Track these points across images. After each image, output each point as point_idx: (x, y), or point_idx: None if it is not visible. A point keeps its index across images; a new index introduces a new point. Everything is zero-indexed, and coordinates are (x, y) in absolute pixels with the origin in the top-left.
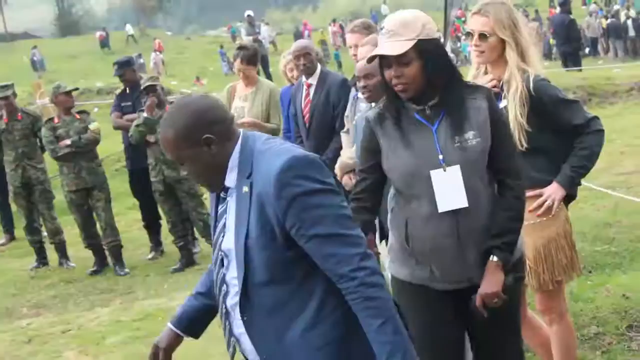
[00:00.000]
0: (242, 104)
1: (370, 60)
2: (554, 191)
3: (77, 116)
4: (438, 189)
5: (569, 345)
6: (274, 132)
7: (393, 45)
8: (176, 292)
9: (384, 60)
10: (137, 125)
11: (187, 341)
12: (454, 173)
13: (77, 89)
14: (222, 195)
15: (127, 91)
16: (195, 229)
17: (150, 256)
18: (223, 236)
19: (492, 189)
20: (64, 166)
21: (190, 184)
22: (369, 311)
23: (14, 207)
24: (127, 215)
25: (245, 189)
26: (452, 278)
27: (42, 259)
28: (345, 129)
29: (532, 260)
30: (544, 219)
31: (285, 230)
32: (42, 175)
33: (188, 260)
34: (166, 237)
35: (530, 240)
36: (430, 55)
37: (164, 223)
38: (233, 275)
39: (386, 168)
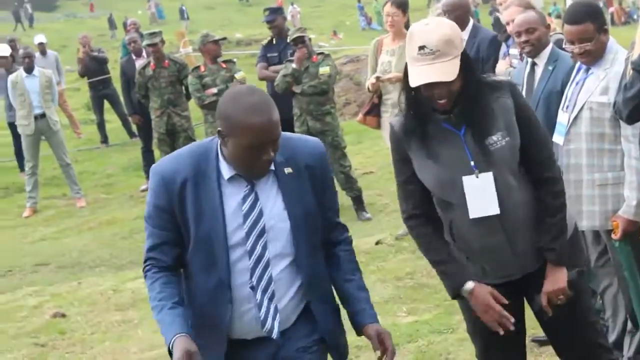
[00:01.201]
0: (389, 58)
1: (429, 89)
2: None
3: (223, 65)
4: (470, 196)
5: None
6: None
7: (443, 67)
8: None
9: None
10: (285, 76)
11: None
12: (487, 180)
13: (224, 38)
14: (247, 185)
15: (274, 42)
16: (336, 180)
17: None
18: (262, 218)
19: (526, 180)
20: (209, 114)
21: (334, 134)
22: (354, 264)
23: (157, 153)
24: None
25: (289, 170)
26: (505, 272)
27: None
28: None
29: None
30: None
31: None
32: (186, 123)
33: None
34: None
35: None
36: (467, 67)
37: None
38: (277, 252)
39: (420, 179)
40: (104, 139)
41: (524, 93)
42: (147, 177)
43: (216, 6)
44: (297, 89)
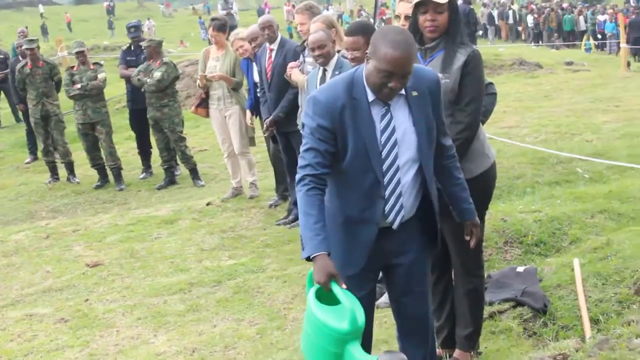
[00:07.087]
0: (215, 63)
1: (417, 5)
2: None
3: (91, 66)
4: None
5: None
6: (237, 84)
7: None
8: (161, 204)
9: (422, 8)
10: (135, 76)
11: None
12: None
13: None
14: (382, 105)
15: (132, 48)
16: (177, 156)
17: (142, 176)
18: (395, 133)
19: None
20: (75, 104)
21: (170, 122)
22: (458, 169)
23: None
24: (124, 144)
25: (415, 93)
26: None
27: (54, 175)
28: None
29: None
30: None
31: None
32: (57, 109)
33: (171, 180)
34: (155, 161)
35: None
36: (455, 10)
37: (154, 151)
38: (407, 159)
39: None
40: None
41: None
42: (30, 153)
43: (90, 19)
44: (143, 87)
